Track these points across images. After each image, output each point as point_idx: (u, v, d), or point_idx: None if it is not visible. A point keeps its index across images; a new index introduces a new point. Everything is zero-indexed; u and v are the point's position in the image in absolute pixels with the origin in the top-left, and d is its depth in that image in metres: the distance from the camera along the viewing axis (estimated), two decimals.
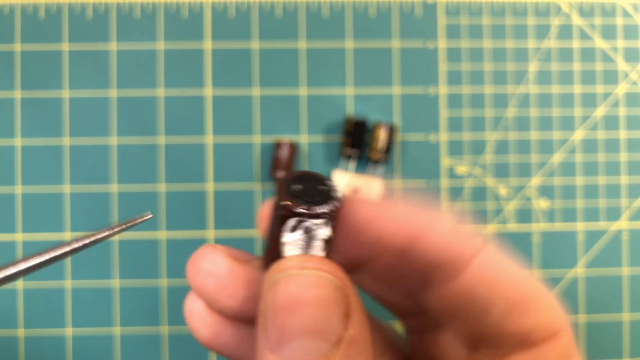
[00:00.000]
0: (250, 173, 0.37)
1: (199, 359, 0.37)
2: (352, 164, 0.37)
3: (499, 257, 0.15)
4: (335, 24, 0.38)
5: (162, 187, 0.37)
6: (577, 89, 0.38)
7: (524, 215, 0.38)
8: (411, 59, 0.38)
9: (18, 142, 0.37)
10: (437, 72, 0.38)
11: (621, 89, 0.38)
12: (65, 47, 0.37)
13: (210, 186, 0.37)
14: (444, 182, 0.38)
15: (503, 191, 0.38)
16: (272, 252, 0.16)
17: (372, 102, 0.38)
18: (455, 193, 0.38)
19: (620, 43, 0.39)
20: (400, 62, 0.38)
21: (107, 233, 0.15)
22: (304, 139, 0.37)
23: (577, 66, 0.38)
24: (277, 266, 0.14)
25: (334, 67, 0.38)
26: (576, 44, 0.39)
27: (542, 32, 0.38)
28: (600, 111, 0.38)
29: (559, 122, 0.38)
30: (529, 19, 0.38)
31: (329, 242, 0.15)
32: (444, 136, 0.38)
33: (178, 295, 0.37)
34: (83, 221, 0.37)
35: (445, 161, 0.38)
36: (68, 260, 0.36)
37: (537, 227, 0.38)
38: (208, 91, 0.37)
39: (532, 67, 0.38)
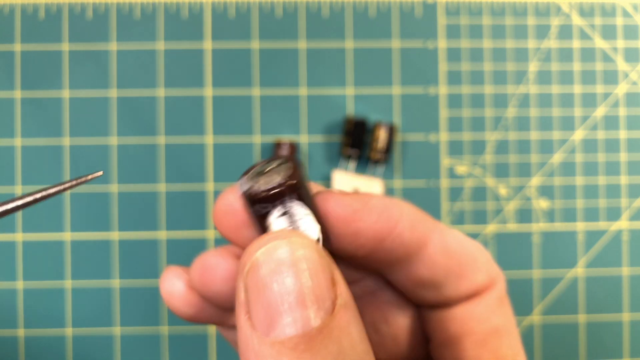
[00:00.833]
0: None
1: (199, 359, 0.37)
2: (352, 164, 0.37)
3: (447, 234, 0.17)
4: (335, 24, 0.38)
5: (162, 187, 0.37)
6: (577, 89, 0.38)
7: (524, 215, 0.38)
8: (411, 59, 0.38)
9: (18, 142, 0.37)
10: (437, 72, 0.38)
11: (621, 89, 0.38)
12: (65, 47, 0.37)
13: (210, 186, 0.37)
14: (444, 182, 0.38)
15: (503, 191, 0.38)
16: None
17: (372, 102, 0.38)
18: (455, 193, 0.38)
19: (620, 43, 0.39)
20: (400, 62, 0.38)
21: (58, 188, 0.15)
22: (304, 139, 0.37)
23: (577, 66, 0.38)
24: (253, 245, 0.14)
25: (334, 67, 0.38)
26: (576, 44, 0.39)
27: (542, 32, 0.38)
28: (600, 111, 0.38)
29: (559, 122, 0.38)
30: (529, 19, 0.38)
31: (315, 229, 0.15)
32: (444, 136, 0.38)
33: None
34: (83, 221, 0.37)
35: (445, 161, 0.38)
36: (68, 260, 0.36)
37: (537, 227, 0.38)
38: (208, 91, 0.37)
39: (532, 67, 0.38)
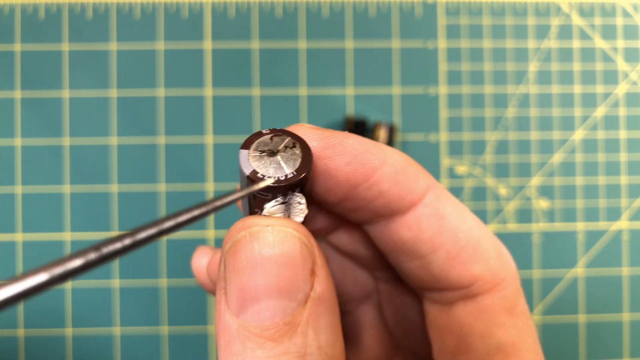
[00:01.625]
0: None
1: (199, 359, 0.37)
2: None
3: (446, 202, 0.15)
4: (335, 24, 0.38)
5: (162, 187, 0.37)
6: (577, 89, 0.38)
7: (524, 215, 0.38)
8: (411, 59, 0.38)
9: (18, 142, 0.37)
10: (437, 72, 0.38)
11: (621, 89, 0.38)
12: (65, 47, 0.37)
13: (210, 186, 0.37)
14: (444, 182, 0.38)
15: (503, 191, 0.38)
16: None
17: (372, 102, 0.38)
18: (455, 193, 0.38)
19: (620, 43, 0.39)
20: (400, 62, 0.38)
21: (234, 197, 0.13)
22: None
23: (577, 66, 0.38)
24: (237, 225, 0.14)
25: (334, 67, 0.38)
26: (576, 44, 0.39)
27: (542, 32, 0.38)
28: (600, 111, 0.38)
29: (559, 122, 0.38)
30: (529, 19, 0.38)
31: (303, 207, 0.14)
32: (444, 136, 0.38)
33: (178, 295, 0.37)
34: (83, 221, 0.37)
35: (445, 161, 0.38)
36: None
37: (537, 227, 0.38)
38: (208, 91, 0.37)
39: (532, 67, 0.38)
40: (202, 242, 0.37)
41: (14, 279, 0.09)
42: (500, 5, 0.38)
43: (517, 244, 0.38)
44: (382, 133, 0.36)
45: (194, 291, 0.37)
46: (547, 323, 0.38)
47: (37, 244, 0.36)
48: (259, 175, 0.14)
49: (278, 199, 0.14)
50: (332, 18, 0.38)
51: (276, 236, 0.13)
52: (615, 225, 0.38)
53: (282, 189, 0.14)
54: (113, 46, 0.37)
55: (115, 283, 0.36)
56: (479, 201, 0.38)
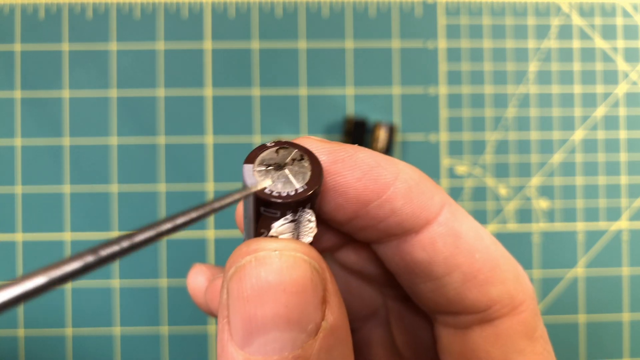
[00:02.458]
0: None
1: (199, 359, 0.37)
2: None
3: (462, 220, 0.14)
4: (335, 24, 0.38)
5: (162, 187, 0.37)
6: (577, 89, 0.38)
7: (524, 215, 0.38)
8: (411, 59, 0.38)
9: (18, 142, 0.37)
10: (437, 72, 0.38)
11: (621, 89, 0.38)
12: (65, 47, 0.37)
13: (210, 186, 0.37)
14: (444, 182, 0.38)
15: (503, 191, 0.38)
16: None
17: (372, 102, 0.38)
18: (455, 193, 0.38)
19: (620, 43, 0.39)
20: (400, 62, 0.38)
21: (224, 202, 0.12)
22: None
23: (577, 66, 0.38)
24: (241, 249, 0.12)
25: (334, 67, 0.38)
26: (576, 44, 0.39)
27: (542, 32, 0.38)
28: (600, 111, 0.38)
29: (559, 122, 0.38)
30: (529, 19, 0.38)
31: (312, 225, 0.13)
32: (444, 136, 0.38)
33: (178, 295, 0.37)
34: (83, 221, 0.37)
35: (445, 161, 0.38)
36: None
37: (537, 227, 0.38)
38: (208, 91, 0.37)
39: (532, 67, 0.38)
40: (202, 242, 0.37)
41: (12, 282, 0.09)
42: (500, 5, 0.38)
43: (517, 244, 0.38)
44: (382, 133, 0.36)
45: None
46: (547, 323, 0.37)
47: (37, 244, 0.36)
48: (266, 191, 0.13)
49: (287, 216, 0.13)
50: (332, 18, 0.38)
51: (285, 261, 0.12)
52: (615, 225, 0.38)
53: (292, 205, 0.13)
54: (113, 46, 0.37)
55: (115, 283, 0.36)
56: (479, 201, 0.38)
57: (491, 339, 0.14)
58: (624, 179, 0.38)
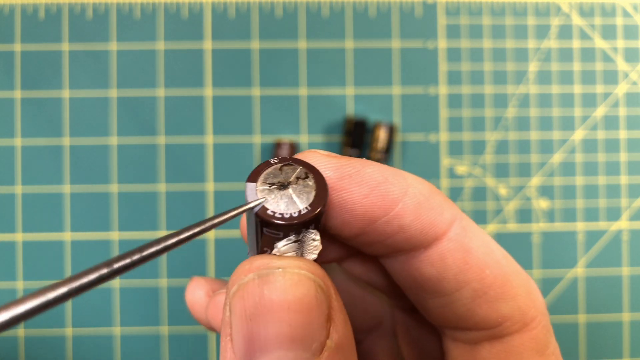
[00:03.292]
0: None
1: (199, 359, 0.37)
2: None
3: (472, 236, 0.14)
4: (335, 24, 0.38)
5: (162, 187, 0.37)
6: (577, 89, 0.38)
7: (524, 215, 0.38)
8: (411, 59, 0.38)
9: (18, 142, 0.37)
10: (437, 72, 0.38)
11: (621, 89, 0.38)
12: (65, 47, 0.37)
13: (210, 186, 0.37)
14: (444, 182, 0.38)
15: (503, 191, 0.38)
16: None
17: (372, 102, 0.38)
18: (455, 193, 0.38)
19: (620, 43, 0.39)
20: (400, 62, 0.38)
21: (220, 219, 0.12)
22: (304, 139, 0.37)
23: (577, 66, 0.38)
24: (244, 266, 0.12)
25: (334, 67, 0.38)
26: (576, 44, 0.39)
27: (542, 32, 0.38)
28: (600, 111, 0.38)
29: (559, 122, 0.38)
30: (529, 19, 0.38)
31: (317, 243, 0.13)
32: (444, 136, 0.38)
33: (178, 295, 0.37)
34: (83, 221, 0.37)
35: (445, 161, 0.38)
36: (68, 260, 0.36)
37: (537, 227, 0.38)
38: (208, 91, 0.37)
39: (532, 67, 0.38)
40: (203, 242, 0.37)
41: (34, 294, 0.10)
42: (500, 5, 0.38)
43: (517, 244, 0.38)
44: (382, 133, 0.36)
45: None
46: None
47: (37, 244, 0.36)
48: (269, 212, 0.12)
49: (291, 237, 0.13)
50: (332, 18, 0.38)
51: (288, 280, 0.11)
52: (615, 225, 0.38)
53: (295, 227, 0.12)
54: (113, 46, 0.37)
55: (115, 283, 0.36)
56: (479, 201, 0.38)
57: (501, 355, 0.14)
58: (624, 179, 0.38)
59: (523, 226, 0.38)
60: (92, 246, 0.36)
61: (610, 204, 0.38)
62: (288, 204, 0.13)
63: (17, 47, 0.37)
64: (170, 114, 0.37)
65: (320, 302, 0.12)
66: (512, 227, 0.38)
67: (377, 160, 0.36)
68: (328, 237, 0.15)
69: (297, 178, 0.13)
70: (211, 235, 0.37)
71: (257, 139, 0.37)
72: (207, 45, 0.37)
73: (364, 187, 0.13)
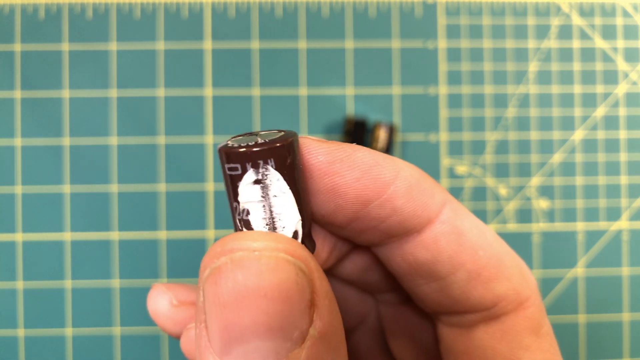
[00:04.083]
0: None
1: None
2: None
3: (464, 218, 0.14)
4: (335, 24, 0.38)
5: (162, 187, 0.37)
6: (577, 89, 0.38)
7: (524, 215, 0.38)
8: (411, 59, 0.38)
9: (18, 142, 0.37)
10: (437, 72, 0.38)
11: (621, 89, 0.38)
12: (65, 47, 0.37)
13: (210, 186, 0.37)
14: (444, 182, 0.38)
15: (503, 191, 0.38)
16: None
17: (372, 102, 0.38)
18: (455, 193, 0.38)
19: (620, 43, 0.39)
20: (400, 62, 0.38)
21: None
22: None
23: (577, 66, 0.38)
24: (216, 248, 0.11)
25: (334, 67, 0.38)
26: (576, 44, 0.39)
27: (542, 32, 0.38)
28: (600, 111, 0.38)
29: (559, 122, 0.38)
30: (529, 19, 0.38)
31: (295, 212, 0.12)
32: (444, 136, 0.38)
33: None
34: (83, 221, 0.37)
35: (445, 161, 0.38)
36: (68, 260, 0.36)
37: (537, 227, 0.38)
38: (208, 91, 0.37)
39: (532, 67, 0.38)
40: (202, 242, 0.37)
41: None
42: (500, 5, 0.38)
43: (517, 244, 0.38)
44: (382, 133, 0.36)
45: None
46: None
47: (37, 244, 0.36)
48: (229, 144, 0.12)
49: (249, 172, 0.12)
50: (332, 18, 0.38)
51: (264, 264, 0.11)
52: (615, 225, 0.38)
53: (250, 156, 0.12)
54: (113, 46, 0.37)
55: (115, 283, 0.36)
56: (479, 201, 0.38)
57: (497, 335, 0.14)
58: (624, 179, 0.38)
59: (523, 226, 0.38)
60: (92, 246, 0.36)
61: (610, 204, 0.38)
62: (247, 142, 0.12)
63: (17, 47, 0.37)
64: (170, 114, 0.37)
65: (302, 287, 0.11)
66: (512, 227, 0.38)
67: None
68: (322, 235, 0.15)
69: (269, 132, 0.13)
70: (211, 235, 0.37)
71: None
72: (207, 45, 0.37)
73: (355, 170, 0.13)
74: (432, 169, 0.38)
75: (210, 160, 0.37)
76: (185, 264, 0.37)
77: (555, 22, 0.39)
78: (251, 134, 0.13)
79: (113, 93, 0.37)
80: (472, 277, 0.14)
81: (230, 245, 0.11)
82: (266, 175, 0.12)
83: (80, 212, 0.37)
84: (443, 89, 0.38)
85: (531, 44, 0.38)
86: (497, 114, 0.38)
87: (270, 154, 0.12)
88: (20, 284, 0.36)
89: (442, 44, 0.38)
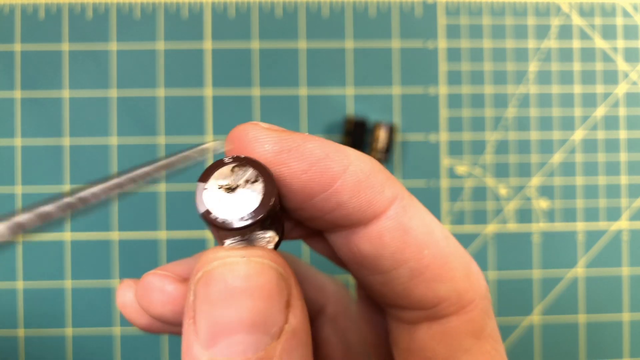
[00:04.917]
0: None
1: None
2: None
3: (413, 215, 0.14)
4: (335, 24, 0.38)
5: (162, 187, 0.37)
6: (577, 89, 0.38)
7: (524, 215, 0.38)
8: (411, 59, 0.38)
9: (18, 142, 0.37)
10: (437, 72, 0.38)
11: (621, 89, 0.38)
12: (65, 47, 0.37)
13: None
14: (444, 182, 0.38)
15: (503, 191, 0.38)
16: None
17: (372, 102, 0.38)
18: (455, 193, 0.38)
19: (620, 43, 0.39)
20: (400, 62, 0.38)
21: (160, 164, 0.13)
22: None
23: (577, 66, 0.38)
24: (210, 254, 0.13)
25: (334, 67, 0.38)
26: (576, 44, 0.39)
27: (542, 32, 0.38)
28: (600, 111, 0.38)
29: (559, 122, 0.38)
30: (529, 19, 0.38)
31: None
32: (444, 136, 0.38)
33: None
34: (83, 221, 0.37)
35: (445, 161, 0.38)
36: (68, 260, 0.36)
37: (537, 227, 0.38)
38: (208, 91, 0.37)
39: (532, 67, 0.38)
40: (202, 242, 0.37)
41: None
42: (500, 5, 0.38)
43: (517, 244, 0.38)
44: (382, 133, 0.36)
45: None
46: (547, 323, 0.38)
47: (37, 244, 0.36)
48: (211, 216, 0.13)
49: (236, 237, 0.13)
50: (332, 18, 0.38)
51: (252, 268, 0.12)
52: (615, 225, 0.38)
53: (234, 232, 0.13)
54: (113, 46, 0.37)
55: (115, 283, 0.36)
56: (479, 201, 0.38)
57: (438, 336, 0.14)
58: (624, 179, 0.38)
59: (523, 226, 0.38)
60: (92, 246, 0.36)
61: (610, 204, 0.38)
62: (232, 208, 0.13)
63: (17, 47, 0.37)
64: (170, 114, 0.37)
65: (281, 289, 0.12)
66: (512, 227, 0.38)
67: (377, 160, 0.36)
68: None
69: (247, 181, 0.13)
70: (211, 235, 0.37)
71: None
72: (207, 45, 0.37)
73: (303, 162, 0.13)
74: (432, 169, 0.38)
75: (210, 161, 0.37)
76: None
77: (555, 22, 0.39)
78: (215, 169, 0.14)
79: (113, 93, 0.37)
80: (415, 275, 0.14)
81: (222, 253, 0.13)
82: (250, 236, 0.13)
83: None
84: (443, 89, 0.38)
85: (531, 44, 0.38)
86: (497, 114, 0.38)
87: (253, 226, 0.13)
88: (20, 284, 0.36)
89: (442, 44, 0.38)
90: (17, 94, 0.37)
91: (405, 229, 0.14)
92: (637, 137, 0.38)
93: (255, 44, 0.38)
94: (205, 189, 0.13)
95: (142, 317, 0.18)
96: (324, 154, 0.13)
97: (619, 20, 0.39)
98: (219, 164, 0.14)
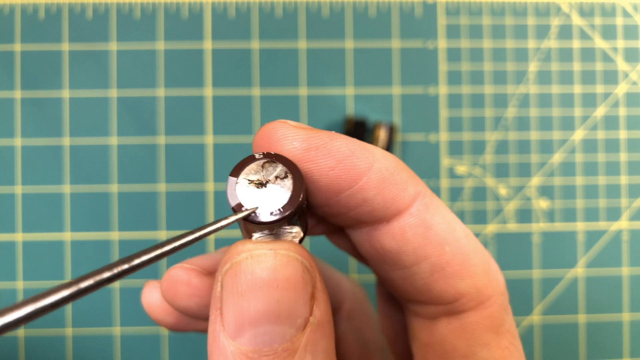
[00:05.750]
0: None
1: (199, 359, 0.37)
2: None
3: (434, 212, 0.14)
4: (335, 24, 0.38)
5: (162, 187, 0.37)
6: (577, 89, 0.38)
7: (524, 215, 0.38)
8: (411, 59, 0.38)
9: (18, 142, 0.37)
10: (437, 72, 0.38)
11: (621, 89, 0.38)
12: (65, 47, 0.37)
13: (210, 186, 0.37)
14: (444, 182, 0.38)
15: (503, 191, 0.38)
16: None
17: (372, 102, 0.38)
18: (455, 193, 0.38)
19: (620, 43, 0.39)
20: (400, 62, 0.38)
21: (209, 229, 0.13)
22: None
23: (577, 66, 0.38)
24: (238, 247, 0.13)
25: (334, 67, 0.38)
26: (576, 44, 0.39)
27: (542, 32, 0.38)
28: (600, 111, 0.38)
29: (559, 122, 0.38)
30: (529, 19, 0.38)
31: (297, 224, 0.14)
32: (444, 136, 0.38)
33: None
34: (83, 221, 0.37)
35: (445, 161, 0.38)
36: (68, 260, 0.36)
37: (537, 227, 0.38)
38: (208, 91, 0.37)
39: (532, 67, 0.38)
40: (202, 242, 0.37)
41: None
42: (500, 5, 0.38)
43: (517, 244, 0.38)
44: (382, 133, 0.36)
45: None
46: (547, 323, 0.38)
47: (37, 244, 0.36)
48: (243, 209, 0.13)
49: (264, 231, 0.13)
50: (332, 18, 0.38)
51: (279, 260, 0.12)
52: (615, 225, 0.38)
53: (265, 226, 0.13)
54: (113, 46, 0.37)
55: (116, 283, 0.36)
56: (479, 201, 0.38)
57: (457, 331, 0.14)
58: (624, 179, 0.38)
59: (523, 226, 0.38)
60: (92, 246, 0.36)
61: (610, 204, 0.38)
62: (264, 202, 0.13)
63: (17, 47, 0.37)
64: (170, 114, 0.37)
65: (306, 281, 0.12)
66: (512, 227, 0.38)
67: None
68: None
69: (277, 177, 0.13)
70: (211, 235, 0.37)
71: None
72: (207, 45, 0.37)
73: (330, 159, 0.13)
74: (432, 169, 0.38)
75: (210, 160, 0.37)
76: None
77: (555, 22, 0.39)
78: (246, 164, 0.14)
79: (113, 93, 0.37)
80: (436, 270, 0.14)
81: (249, 245, 0.13)
82: (279, 230, 0.14)
83: (80, 212, 0.37)
84: (443, 89, 0.38)
85: (531, 44, 0.38)
86: (497, 114, 0.38)
87: (285, 220, 0.13)
88: (20, 284, 0.36)
89: (442, 44, 0.38)
90: (17, 94, 0.37)
91: (427, 225, 0.14)
92: (637, 137, 0.38)
93: (255, 44, 0.38)
94: (237, 183, 0.14)
95: (168, 316, 0.18)
96: (350, 151, 0.14)
97: (619, 20, 0.39)
98: (249, 159, 0.14)
